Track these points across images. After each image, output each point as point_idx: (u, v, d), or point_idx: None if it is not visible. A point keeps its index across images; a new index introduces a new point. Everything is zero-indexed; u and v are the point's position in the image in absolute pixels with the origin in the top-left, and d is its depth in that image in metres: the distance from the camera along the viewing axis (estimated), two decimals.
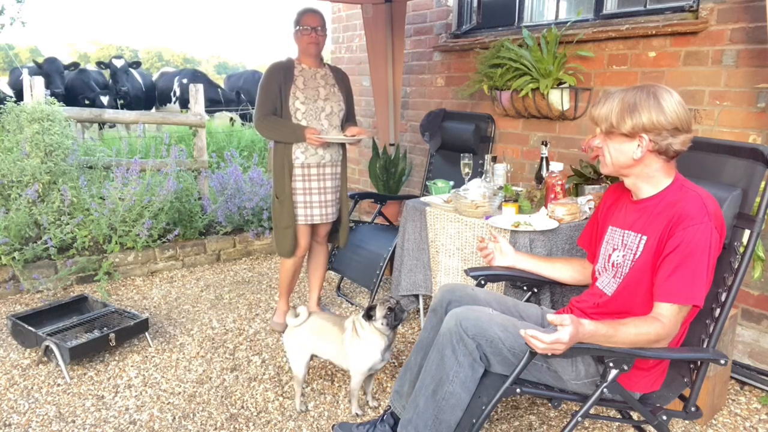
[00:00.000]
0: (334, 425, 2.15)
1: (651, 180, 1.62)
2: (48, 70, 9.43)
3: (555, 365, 1.65)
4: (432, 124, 3.84)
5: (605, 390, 1.55)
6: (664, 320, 1.51)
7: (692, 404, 1.65)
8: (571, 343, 1.40)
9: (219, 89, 11.45)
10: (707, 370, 1.64)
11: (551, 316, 1.41)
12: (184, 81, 11.16)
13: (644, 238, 1.61)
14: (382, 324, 2.21)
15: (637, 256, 1.63)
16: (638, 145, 1.56)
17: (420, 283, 2.90)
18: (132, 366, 2.72)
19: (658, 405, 1.67)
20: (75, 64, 10.17)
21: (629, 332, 1.49)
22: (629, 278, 1.64)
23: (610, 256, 1.74)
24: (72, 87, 10.12)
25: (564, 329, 1.38)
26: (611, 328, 1.48)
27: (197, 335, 3.05)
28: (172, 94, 11.87)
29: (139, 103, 10.88)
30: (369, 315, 2.23)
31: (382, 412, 2.17)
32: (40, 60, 10.00)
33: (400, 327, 3.13)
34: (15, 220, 3.53)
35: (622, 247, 1.69)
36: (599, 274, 1.79)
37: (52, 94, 7.88)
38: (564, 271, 2.01)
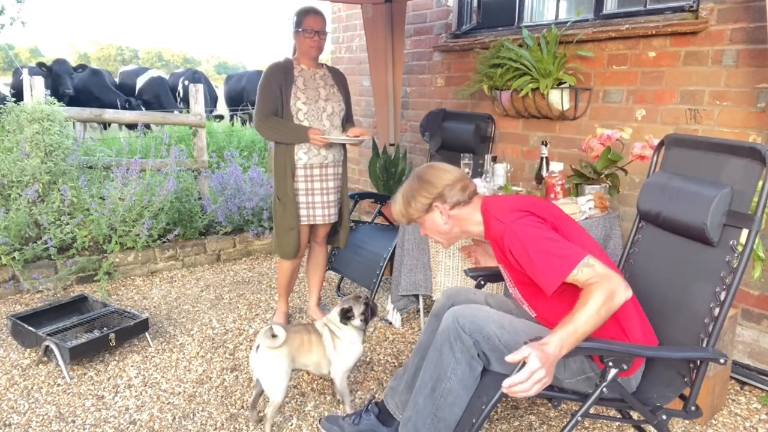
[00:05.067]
0: (321, 419, 2.16)
1: (471, 224, 1.83)
2: (58, 71, 9.49)
3: None
4: (432, 124, 3.84)
5: (605, 390, 1.55)
6: (592, 279, 1.49)
7: (692, 404, 1.65)
8: (548, 364, 1.37)
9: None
10: (707, 369, 1.64)
11: (509, 358, 1.39)
12: (186, 83, 11.26)
13: (502, 266, 1.83)
14: (360, 321, 2.27)
15: (512, 281, 1.80)
16: (440, 213, 1.82)
17: (420, 283, 2.91)
18: (132, 366, 2.72)
19: (658, 404, 1.67)
20: (82, 66, 10.21)
21: (584, 313, 1.44)
22: (527, 297, 1.77)
23: (509, 288, 1.88)
24: (85, 89, 10.11)
25: (530, 359, 1.35)
26: (570, 324, 1.43)
27: (197, 335, 3.05)
28: (176, 93, 11.93)
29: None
30: (347, 317, 2.25)
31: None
32: (47, 61, 10.02)
33: (400, 327, 3.14)
34: (15, 220, 3.53)
35: (505, 278, 1.87)
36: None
37: (62, 96, 7.87)
38: None
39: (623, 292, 1.49)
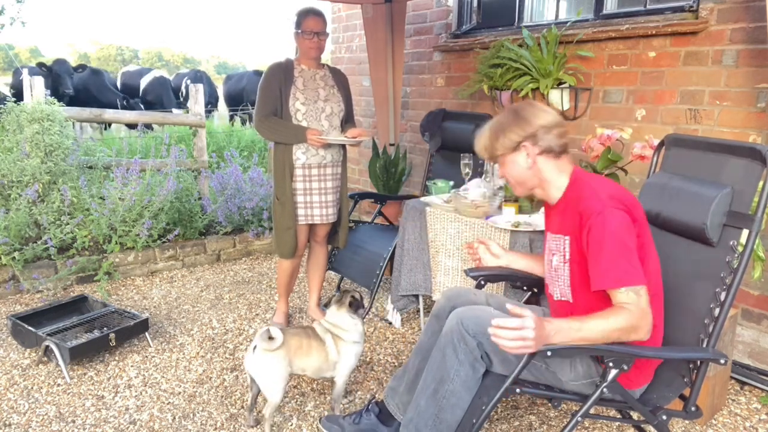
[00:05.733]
0: (321, 418, 2.16)
1: (551, 183, 1.72)
2: (58, 71, 9.47)
3: (554, 366, 1.65)
4: (432, 124, 3.84)
5: (605, 390, 1.55)
6: (629, 307, 1.49)
7: (692, 404, 1.65)
8: (539, 336, 1.40)
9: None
10: (707, 370, 1.64)
11: (509, 306, 1.43)
12: (188, 82, 11.29)
13: (567, 238, 1.69)
14: (361, 309, 2.32)
15: (567, 256, 1.69)
16: (526, 155, 1.69)
17: (420, 283, 2.91)
18: (132, 366, 2.72)
19: (658, 405, 1.67)
20: (82, 66, 10.22)
21: (598, 324, 1.47)
22: (574, 280, 1.69)
23: (551, 261, 1.78)
24: (84, 88, 10.10)
25: (526, 320, 1.39)
26: (578, 323, 1.47)
27: (197, 335, 3.05)
28: (180, 94, 11.97)
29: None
30: (358, 307, 2.29)
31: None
32: (47, 61, 10.02)
33: (400, 327, 3.15)
34: (15, 220, 3.53)
35: (557, 251, 1.75)
36: (549, 282, 1.82)
37: (62, 96, 7.86)
38: None
39: (643, 334, 1.51)
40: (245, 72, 12.93)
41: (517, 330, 1.39)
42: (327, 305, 2.38)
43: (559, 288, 1.75)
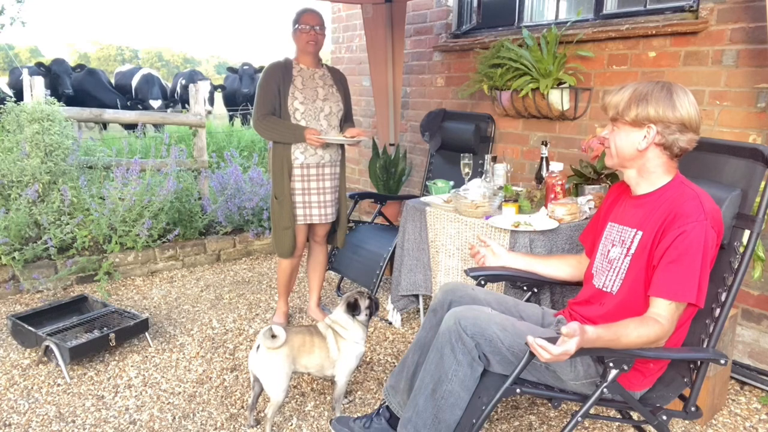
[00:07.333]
0: (331, 419, 2.15)
1: (650, 176, 1.64)
2: (57, 71, 9.47)
3: (554, 366, 1.65)
4: (432, 124, 3.84)
5: (605, 390, 1.55)
6: (662, 320, 1.50)
7: (692, 404, 1.65)
8: (576, 350, 1.40)
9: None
10: (707, 370, 1.64)
11: (565, 329, 1.39)
12: (183, 82, 11.34)
13: (639, 233, 1.63)
14: (365, 316, 2.26)
15: (632, 251, 1.64)
16: (644, 136, 1.58)
17: (420, 283, 2.91)
18: (132, 366, 2.72)
19: (658, 405, 1.67)
20: (81, 66, 10.26)
21: (630, 336, 1.48)
22: (630, 275, 1.65)
23: (609, 251, 1.74)
24: (81, 89, 10.11)
25: (572, 341, 1.37)
26: (613, 334, 1.47)
27: (197, 335, 3.05)
28: (174, 93, 11.99)
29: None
30: (355, 308, 2.26)
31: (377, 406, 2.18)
32: (46, 61, 10.05)
33: (400, 327, 3.14)
34: (15, 220, 3.53)
35: (619, 243, 1.70)
36: (596, 271, 1.78)
37: (61, 95, 7.88)
38: (560, 268, 2.01)
39: (661, 344, 1.54)
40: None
41: (553, 355, 1.38)
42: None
43: (609, 279, 1.71)
